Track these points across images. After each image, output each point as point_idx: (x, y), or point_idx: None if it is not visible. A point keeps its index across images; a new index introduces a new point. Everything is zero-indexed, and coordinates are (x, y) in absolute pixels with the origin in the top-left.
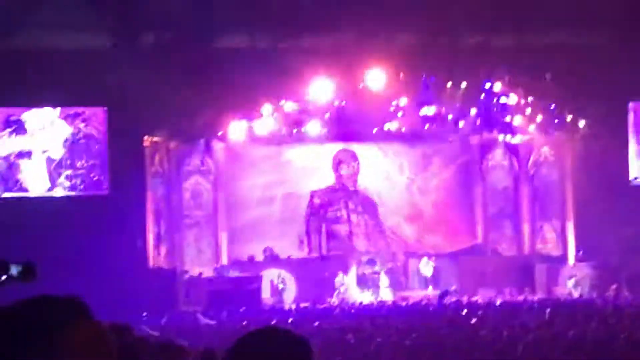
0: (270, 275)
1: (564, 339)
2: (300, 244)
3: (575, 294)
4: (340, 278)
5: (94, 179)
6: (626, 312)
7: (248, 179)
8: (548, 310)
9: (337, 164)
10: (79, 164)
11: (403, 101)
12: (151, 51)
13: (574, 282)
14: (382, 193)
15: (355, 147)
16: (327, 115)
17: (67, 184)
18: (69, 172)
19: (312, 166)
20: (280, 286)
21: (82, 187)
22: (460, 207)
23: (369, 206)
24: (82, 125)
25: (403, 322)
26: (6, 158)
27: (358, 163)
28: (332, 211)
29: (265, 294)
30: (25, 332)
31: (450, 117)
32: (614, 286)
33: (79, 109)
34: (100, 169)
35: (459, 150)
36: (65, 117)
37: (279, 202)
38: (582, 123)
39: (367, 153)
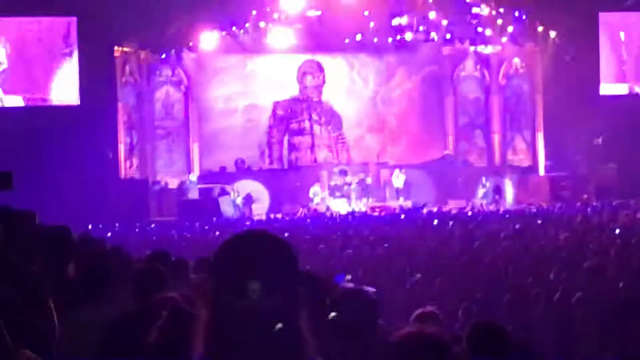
0: (243, 187)
1: (534, 249)
2: (262, 155)
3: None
4: (315, 188)
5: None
6: (595, 222)
7: (217, 89)
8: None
9: (302, 75)
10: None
11: (374, 12)
12: None
13: (483, 192)
14: (347, 105)
15: (321, 58)
16: (298, 26)
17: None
18: None
19: (276, 77)
20: (238, 199)
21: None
22: (431, 118)
23: (332, 118)
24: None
25: (374, 232)
26: None
27: (323, 74)
28: (295, 122)
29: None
30: None
31: (421, 28)
32: (584, 196)
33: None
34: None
35: (426, 60)
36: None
37: (242, 112)
38: (552, 34)
39: (333, 64)
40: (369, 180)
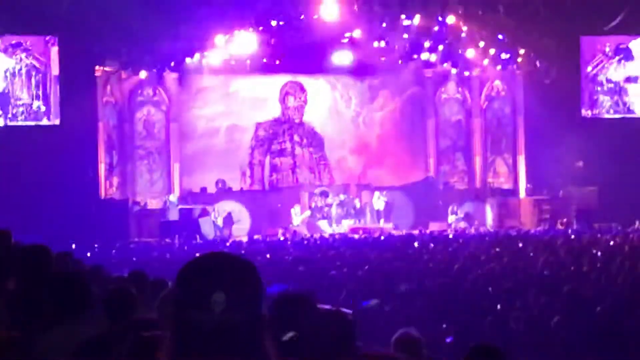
0: (223, 207)
1: (514, 271)
2: (243, 176)
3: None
4: (296, 209)
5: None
6: (575, 245)
7: (198, 109)
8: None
9: (284, 95)
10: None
11: (356, 33)
12: None
13: (454, 218)
14: (329, 126)
15: (303, 79)
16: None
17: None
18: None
19: (258, 97)
20: (219, 220)
21: (22, 117)
22: (412, 140)
23: (314, 139)
24: (23, 55)
25: (355, 253)
26: None
27: (305, 95)
28: (277, 143)
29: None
30: None
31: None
32: (564, 219)
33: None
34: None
35: (409, 82)
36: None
37: (224, 133)
38: (534, 57)
39: (315, 85)
40: (357, 204)
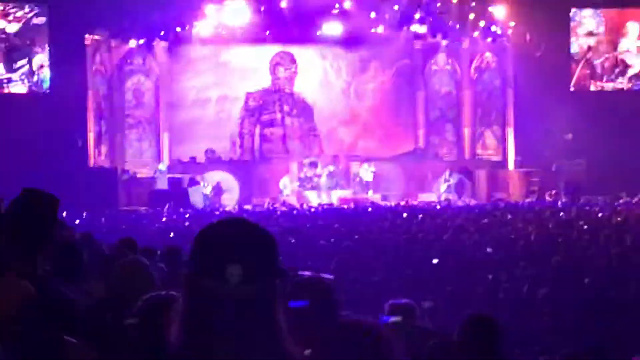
0: (213, 177)
1: (503, 243)
2: (233, 146)
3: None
4: (285, 180)
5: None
6: (563, 218)
7: (188, 79)
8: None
9: (275, 66)
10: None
11: (347, 4)
12: None
13: (446, 186)
14: (319, 97)
15: (294, 49)
16: (270, 17)
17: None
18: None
19: (249, 68)
20: (208, 190)
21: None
22: (402, 111)
23: (304, 110)
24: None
25: (344, 224)
26: None
27: (296, 66)
28: (267, 114)
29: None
30: None
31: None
32: (552, 191)
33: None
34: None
35: (399, 54)
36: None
37: (215, 103)
38: (524, 29)
39: (305, 56)
40: (338, 172)
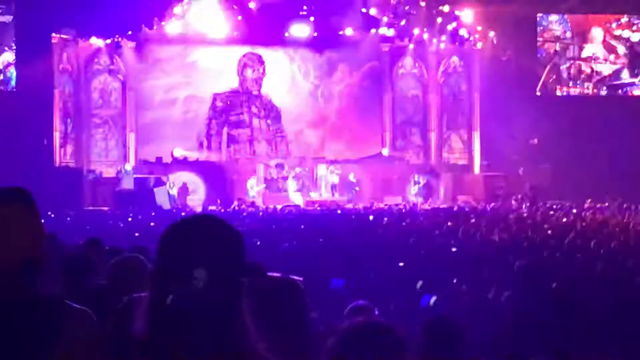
0: (179, 178)
1: (468, 246)
2: (200, 147)
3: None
4: (252, 181)
5: None
6: (528, 220)
7: (156, 79)
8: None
9: (242, 67)
10: None
11: (315, 5)
12: None
13: (417, 189)
14: (287, 99)
15: (262, 50)
16: (239, 18)
17: None
18: None
19: (216, 68)
20: (174, 191)
21: None
22: (369, 114)
23: (272, 111)
24: None
25: (310, 226)
26: None
27: (264, 67)
28: (235, 115)
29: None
30: None
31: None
32: (518, 195)
33: None
34: None
35: (367, 56)
36: None
37: (182, 103)
38: (491, 34)
39: (273, 57)
40: (304, 174)
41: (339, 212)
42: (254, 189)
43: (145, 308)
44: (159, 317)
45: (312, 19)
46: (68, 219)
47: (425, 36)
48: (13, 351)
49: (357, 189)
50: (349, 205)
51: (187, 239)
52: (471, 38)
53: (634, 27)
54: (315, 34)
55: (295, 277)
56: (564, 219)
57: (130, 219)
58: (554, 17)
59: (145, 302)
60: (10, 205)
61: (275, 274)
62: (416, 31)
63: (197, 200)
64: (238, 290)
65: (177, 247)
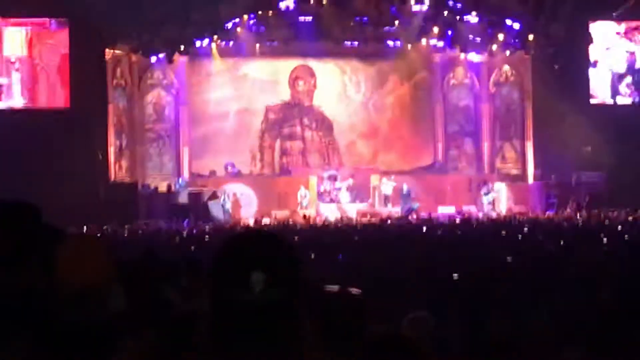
0: (232, 191)
1: (525, 258)
2: (253, 160)
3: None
4: (302, 192)
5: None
6: (582, 230)
7: (209, 92)
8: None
9: (294, 79)
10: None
11: (365, 17)
12: None
13: (487, 199)
14: (338, 110)
15: (313, 63)
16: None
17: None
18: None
19: (268, 81)
20: (227, 204)
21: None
22: (420, 125)
23: (323, 123)
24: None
25: (363, 238)
26: None
27: (315, 79)
28: (287, 127)
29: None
30: None
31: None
32: (572, 204)
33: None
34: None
35: (418, 67)
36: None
37: (234, 116)
38: (544, 43)
39: (324, 69)
40: (357, 186)
41: (389, 222)
42: (306, 200)
43: (208, 322)
44: (221, 330)
45: (362, 30)
46: (126, 232)
47: (480, 39)
48: None
49: (417, 205)
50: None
51: (244, 249)
52: (518, 45)
53: None
54: (366, 45)
55: (355, 290)
56: (619, 227)
57: (185, 233)
58: (606, 24)
59: (205, 311)
60: (84, 236)
61: (334, 287)
62: (467, 41)
63: (250, 213)
64: (295, 299)
65: (235, 257)
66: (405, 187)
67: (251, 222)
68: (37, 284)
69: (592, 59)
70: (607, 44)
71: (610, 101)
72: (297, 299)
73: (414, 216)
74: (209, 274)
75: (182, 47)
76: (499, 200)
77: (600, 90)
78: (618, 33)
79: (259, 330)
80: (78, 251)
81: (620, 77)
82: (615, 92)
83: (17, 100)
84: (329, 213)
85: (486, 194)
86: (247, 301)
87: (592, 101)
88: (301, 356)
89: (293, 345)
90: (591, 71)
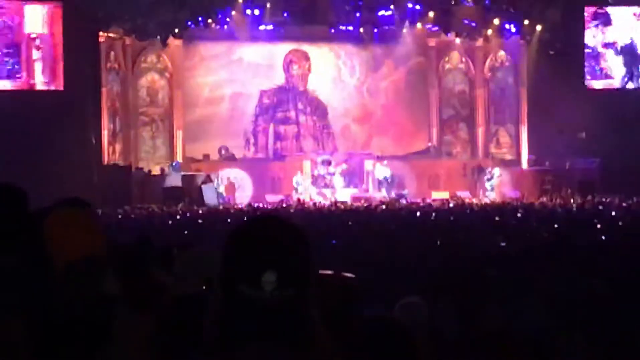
0: (226, 175)
1: (517, 243)
2: (247, 144)
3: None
4: (298, 178)
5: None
6: (577, 217)
7: (203, 76)
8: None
9: (288, 63)
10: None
11: (360, 1)
12: None
13: (493, 182)
14: (333, 95)
15: (307, 47)
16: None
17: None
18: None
19: (262, 65)
20: (221, 188)
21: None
22: (415, 109)
23: (318, 107)
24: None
25: (357, 222)
26: None
27: (309, 63)
28: (281, 111)
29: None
30: None
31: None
32: (567, 190)
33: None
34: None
35: (413, 52)
36: None
37: (228, 100)
38: (538, 27)
39: (318, 53)
40: (351, 170)
41: (384, 207)
42: (301, 185)
43: (216, 315)
44: (230, 323)
45: (357, 14)
46: (119, 216)
47: (475, 24)
48: (72, 347)
49: (407, 192)
50: (396, 201)
51: (257, 243)
52: (513, 29)
53: None
54: (361, 30)
55: (348, 275)
56: (613, 213)
57: (178, 217)
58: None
59: (212, 302)
60: (70, 208)
61: (327, 271)
62: (462, 25)
63: (244, 197)
64: (307, 291)
65: (247, 251)
66: (388, 172)
67: (245, 206)
68: (25, 266)
69: (611, 41)
70: (625, 27)
71: (624, 85)
72: (308, 295)
73: (404, 201)
74: (220, 265)
75: (176, 31)
76: (504, 184)
77: (616, 74)
78: (635, 14)
79: (269, 325)
80: (65, 222)
81: (636, 61)
82: (631, 76)
83: (38, 79)
84: (323, 198)
85: (489, 179)
86: (257, 298)
87: (597, 85)
88: (312, 346)
89: (304, 342)
90: (608, 54)
